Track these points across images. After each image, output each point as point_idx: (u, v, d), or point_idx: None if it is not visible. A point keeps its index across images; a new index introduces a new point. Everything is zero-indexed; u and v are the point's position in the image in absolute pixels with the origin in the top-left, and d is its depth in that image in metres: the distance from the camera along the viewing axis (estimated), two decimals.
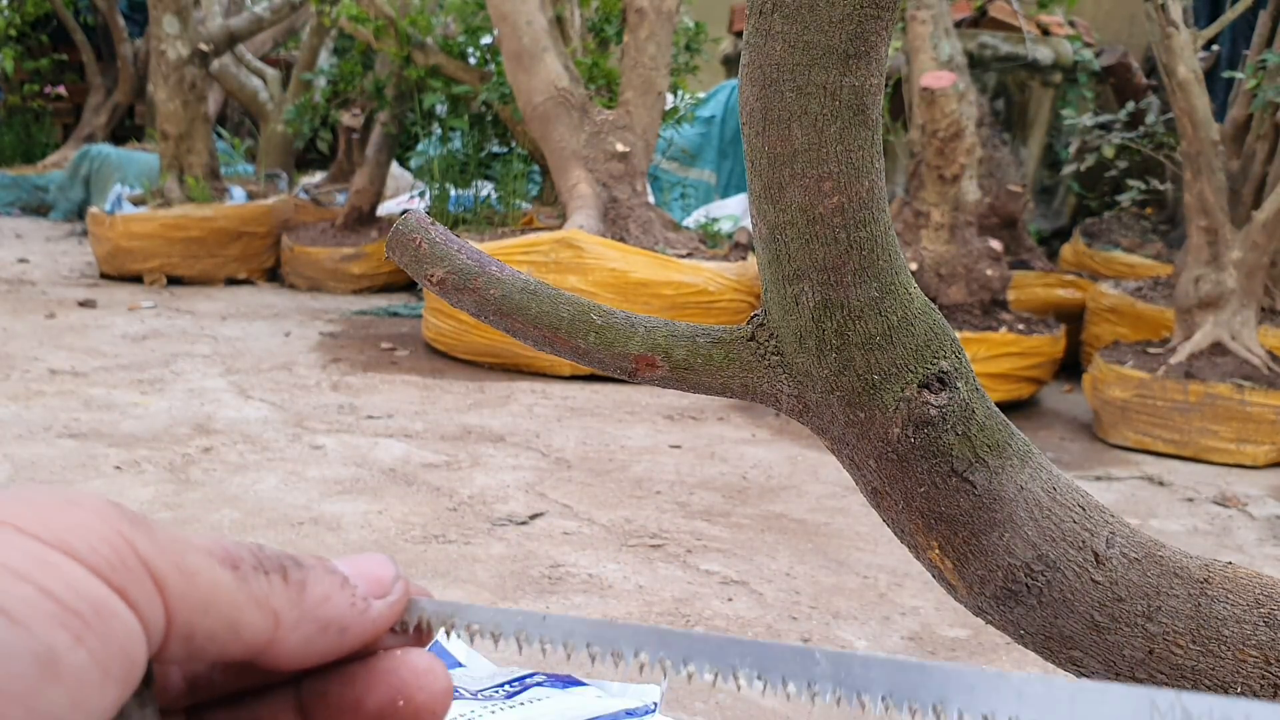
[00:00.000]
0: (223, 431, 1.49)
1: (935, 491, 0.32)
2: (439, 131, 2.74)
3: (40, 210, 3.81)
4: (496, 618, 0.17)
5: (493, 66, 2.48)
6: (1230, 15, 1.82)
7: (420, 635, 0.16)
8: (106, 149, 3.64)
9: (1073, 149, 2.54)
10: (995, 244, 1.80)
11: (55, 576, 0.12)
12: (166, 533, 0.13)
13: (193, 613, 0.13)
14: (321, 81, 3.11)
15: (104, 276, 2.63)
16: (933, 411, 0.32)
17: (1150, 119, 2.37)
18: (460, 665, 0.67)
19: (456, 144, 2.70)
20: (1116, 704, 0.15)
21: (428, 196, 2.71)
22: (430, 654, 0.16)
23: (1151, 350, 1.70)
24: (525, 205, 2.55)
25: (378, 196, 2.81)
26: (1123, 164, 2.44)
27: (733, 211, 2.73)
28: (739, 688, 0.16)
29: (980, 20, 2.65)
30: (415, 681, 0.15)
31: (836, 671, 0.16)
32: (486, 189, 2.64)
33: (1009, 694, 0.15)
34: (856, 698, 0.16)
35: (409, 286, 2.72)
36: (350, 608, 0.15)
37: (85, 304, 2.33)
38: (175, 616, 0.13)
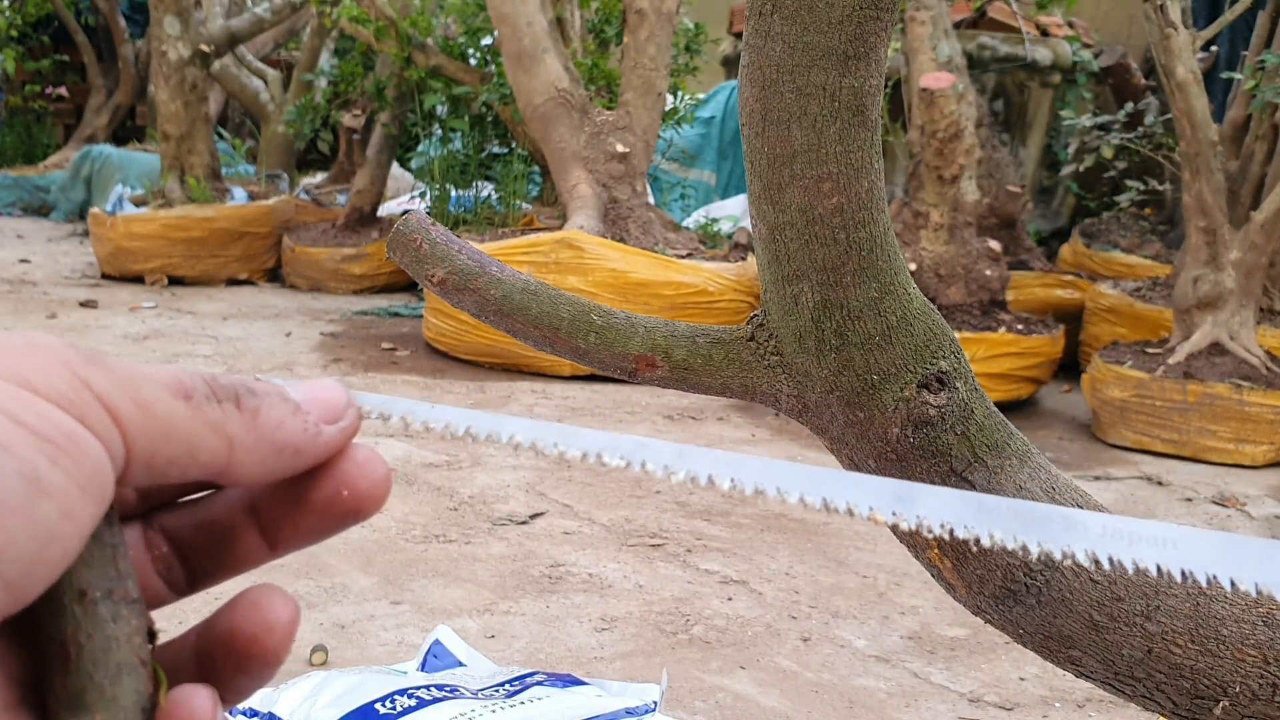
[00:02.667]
0: None
1: None
2: (439, 132, 2.74)
3: (42, 211, 3.81)
4: (428, 412, 0.18)
5: (493, 67, 2.48)
6: (1229, 16, 1.82)
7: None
8: (108, 150, 3.64)
9: (1071, 150, 2.55)
10: (994, 244, 1.80)
11: (25, 408, 0.13)
12: (121, 367, 0.14)
13: (151, 441, 0.14)
14: (322, 82, 3.11)
15: (105, 277, 2.63)
16: (932, 411, 0.32)
17: (1149, 120, 2.37)
18: (461, 664, 0.67)
19: (457, 145, 2.70)
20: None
21: (428, 197, 2.71)
22: (369, 447, 0.17)
23: (1150, 350, 1.70)
24: (525, 206, 2.55)
25: (378, 197, 2.81)
26: (1121, 165, 2.44)
27: (732, 212, 2.73)
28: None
29: (979, 21, 2.66)
30: (356, 471, 0.16)
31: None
32: (487, 190, 2.64)
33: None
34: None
35: (410, 287, 2.72)
36: (303, 432, 0.16)
37: (86, 304, 2.33)
38: (134, 445, 0.14)
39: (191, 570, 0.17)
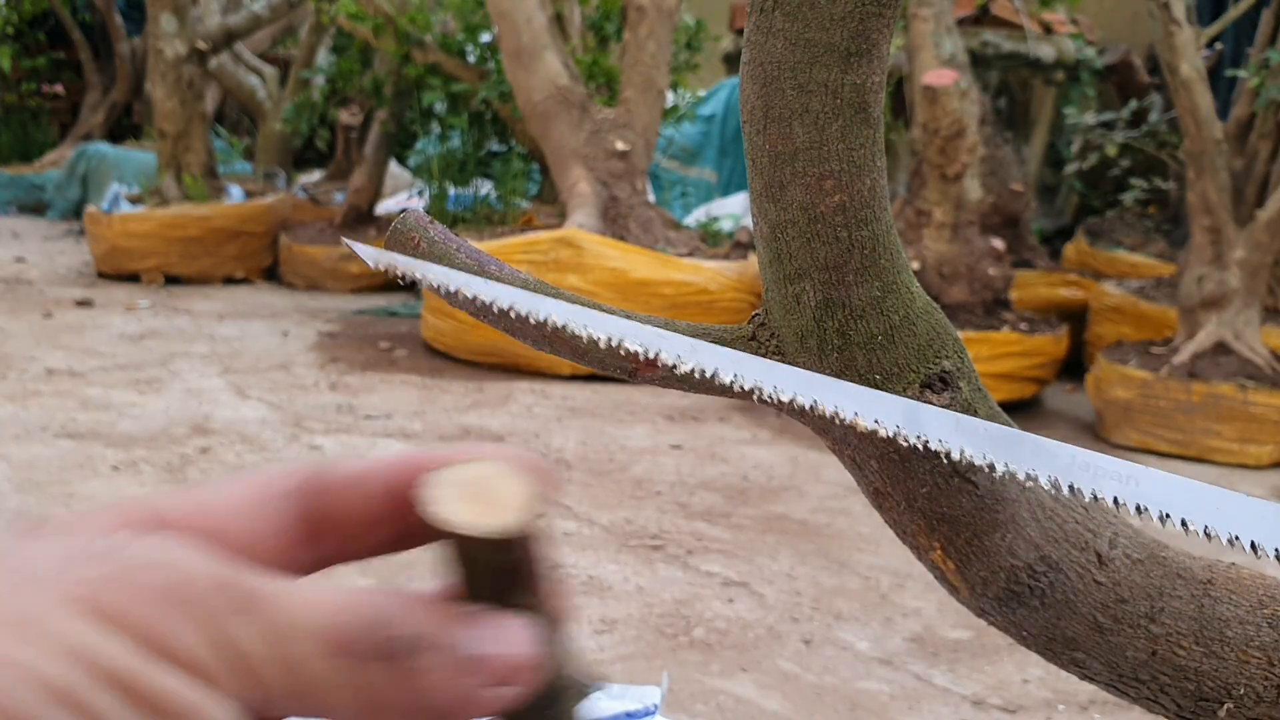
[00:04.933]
0: (220, 432, 1.49)
1: (938, 492, 0.32)
2: (438, 130, 2.74)
3: (37, 209, 3.81)
4: (479, 286, 0.19)
5: (492, 64, 2.47)
6: (1233, 13, 1.81)
7: None
8: (104, 147, 3.63)
9: (1075, 147, 2.54)
10: (998, 243, 1.80)
11: (143, 682, 0.12)
12: (273, 613, 0.13)
13: (283, 700, 0.13)
14: (320, 80, 3.10)
15: (101, 276, 2.63)
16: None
17: (1153, 117, 2.37)
18: None
19: (455, 142, 2.69)
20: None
21: (426, 195, 2.70)
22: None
23: (1154, 350, 1.69)
24: (524, 204, 2.54)
25: (376, 195, 2.80)
26: (1125, 163, 2.43)
27: (733, 210, 2.72)
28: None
29: (982, 18, 2.64)
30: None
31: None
32: (486, 187, 2.63)
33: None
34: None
35: (408, 286, 2.71)
36: (461, 699, 0.14)
37: (82, 303, 2.32)
38: (274, 704, 0.13)
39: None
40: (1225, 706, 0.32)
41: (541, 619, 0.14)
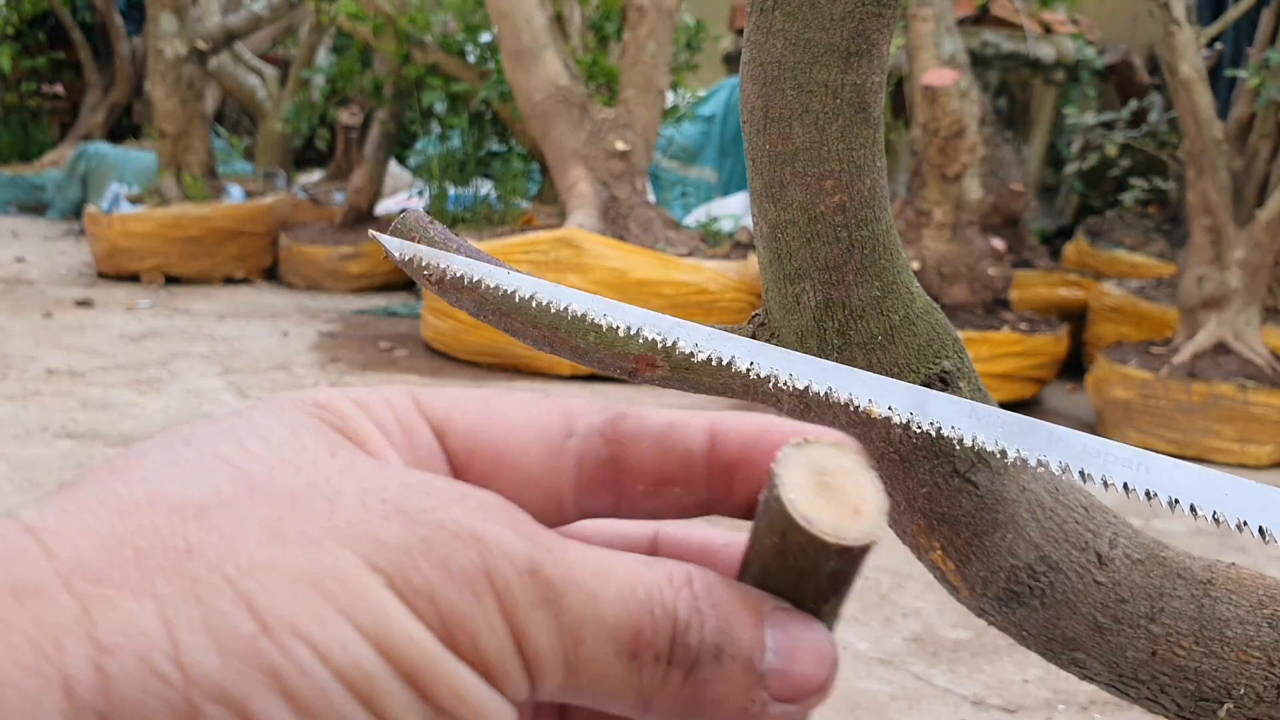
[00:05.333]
0: None
1: (938, 492, 0.32)
2: (438, 130, 2.74)
3: (37, 209, 3.81)
4: (502, 277, 0.20)
5: (492, 64, 2.47)
6: (1233, 13, 1.81)
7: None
8: (104, 147, 3.63)
9: (1075, 147, 2.54)
10: (998, 243, 1.80)
11: (436, 678, 0.11)
12: (579, 607, 0.11)
13: (561, 692, 0.12)
14: (320, 80, 3.10)
15: (101, 276, 2.63)
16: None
17: (1153, 117, 2.37)
18: None
19: (455, 142, 2.70)
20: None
21: (426, 195, 2.70)
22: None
23: (1155, 350, 1.69)
24: (524, 204, 2.54)
25: (376, 195, 2.80)
26: (1126, 163, 2.43)
27: (733, 210, 2.72)
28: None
29: (982, 18, 2.64)
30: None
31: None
32: (486, 187, 2.63)
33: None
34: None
35: (407, 286, 2.71)
36: (741, 712, 0.12)
37: (82, 303, 2.32)
38: (543, 693, 0.12)
39: None
40: (1225, 706, 0.32)
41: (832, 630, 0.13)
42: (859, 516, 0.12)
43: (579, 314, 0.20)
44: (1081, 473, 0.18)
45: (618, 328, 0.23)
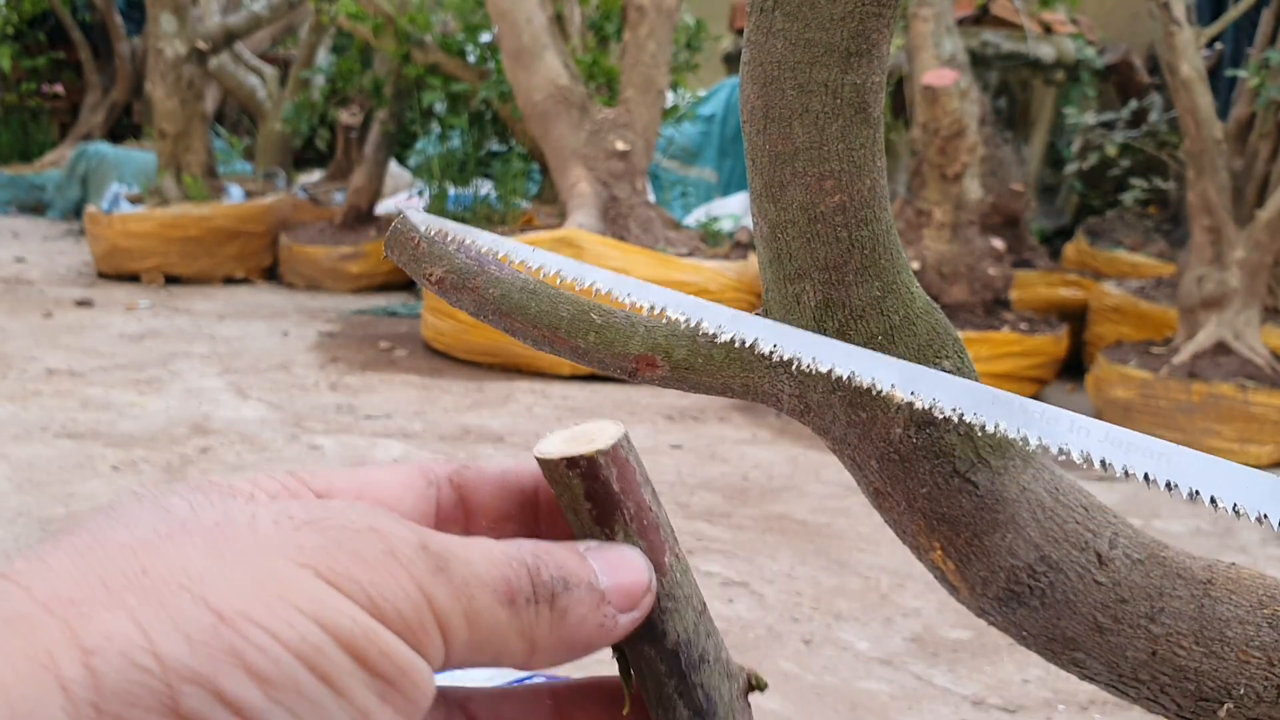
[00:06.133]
0: (220, 431, 1.49)
1: (938, 492, 0.32)
2: (438, 130, 2.74)
3: (37, 209, 3.81)
4: (525, 252, 0.21)
5: (492, 64, 2.48)
6: (1233, 13, 1.81)
7: None
8: (104, 147, 3.63)
9: (1075, 147, 2.54)
10: (998, 243, 1.80)
11: (372, 644, 0.13)
12: (461, 569, 0.14)
13: (466, 651, 0.14)
14: (320, 79, 3.10)
15: (101, 276, 2.63)
16: (935, 412, 0.31)
17: (1153, 117, 2.37)
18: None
19: (455, 142, 2.70)
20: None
21: (426, 195, 2.70)
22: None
23: (1155, 350, 1.69)
24: (524, 204, 2.54)
25: (376, 195, 2.80)
26: (1125, 162, 2.43)
27: (733, 210, 2.72)
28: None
29: (982, 18, 2.64)
30: None
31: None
32: (486, 187, 2.63)
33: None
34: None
35: (407, 286, 2.71)
36: (598, 628, 0.15)
37: (82, 303, 2.32)
38: (451, 659, 0.14)
39: None
40: (1225, 706, 0.32)
41: (642, 547, 0.16)
42: (591, 444, 0.16)
43: (601, 291, 0.21)
44: (1104, 461, 0.19)
45: (642, 307, 0.23)
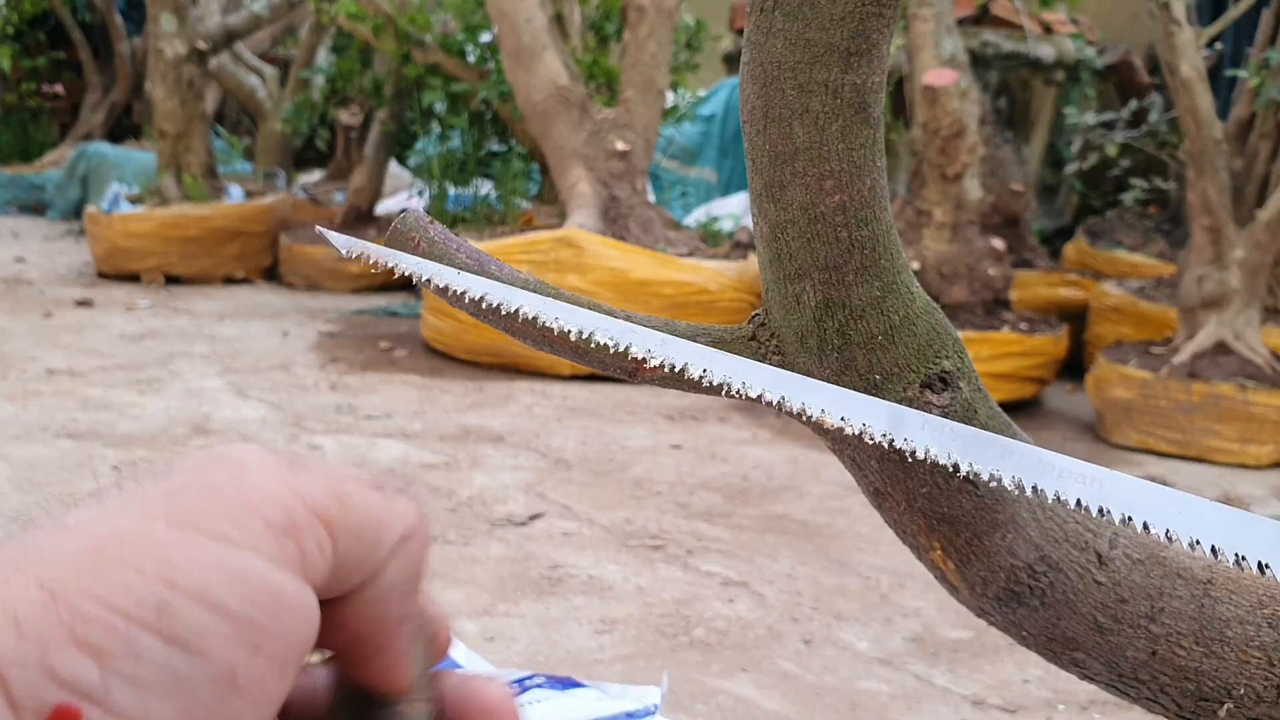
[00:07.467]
0: (220, 431, 1.49)
1: (938, 492, 0.32)
2: (438, 130, 2.74)
3: (37, 209, 3.81)
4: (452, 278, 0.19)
5: (492, 64, 2.47)
6: (1233, 13, 1.81)
7: None
8: (104, 147, 3.63)
9: (1075, 147, 2.54)
10: (998, 243, 1.80)
11: (233, 588, 0.12)
12: (318, 464, 0.13)
13: (348, 540, 0.13)
14: (320, 79, 3.10)
15: (101, 276, 2.62)
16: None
17: (1153, 117, 2.36)
18: (459, 667, 0.67)
19: (455, 142, 2.69)
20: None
21: (426, 195, 2.70)
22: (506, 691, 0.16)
23: (1155, 350, 1.69)
24: (525, 204, 2.54)
25: (376, 195, 2.80)
26: (1126, 163, 2.43)
27: (733, 210, 2.72)
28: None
29: (982, 18, 2.64)
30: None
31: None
32: (486, 187, 2.63)
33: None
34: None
35: (407, 286, 2.71)
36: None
37: (82, 303, 2.32)
38: (338, 550, 0.13)
39: None
40: (1225, 706, 0.32)
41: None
42: None
43: (529, 316, 0.21)
44: (1035, 487, 0.18)
45: (568, 331, 0.23)
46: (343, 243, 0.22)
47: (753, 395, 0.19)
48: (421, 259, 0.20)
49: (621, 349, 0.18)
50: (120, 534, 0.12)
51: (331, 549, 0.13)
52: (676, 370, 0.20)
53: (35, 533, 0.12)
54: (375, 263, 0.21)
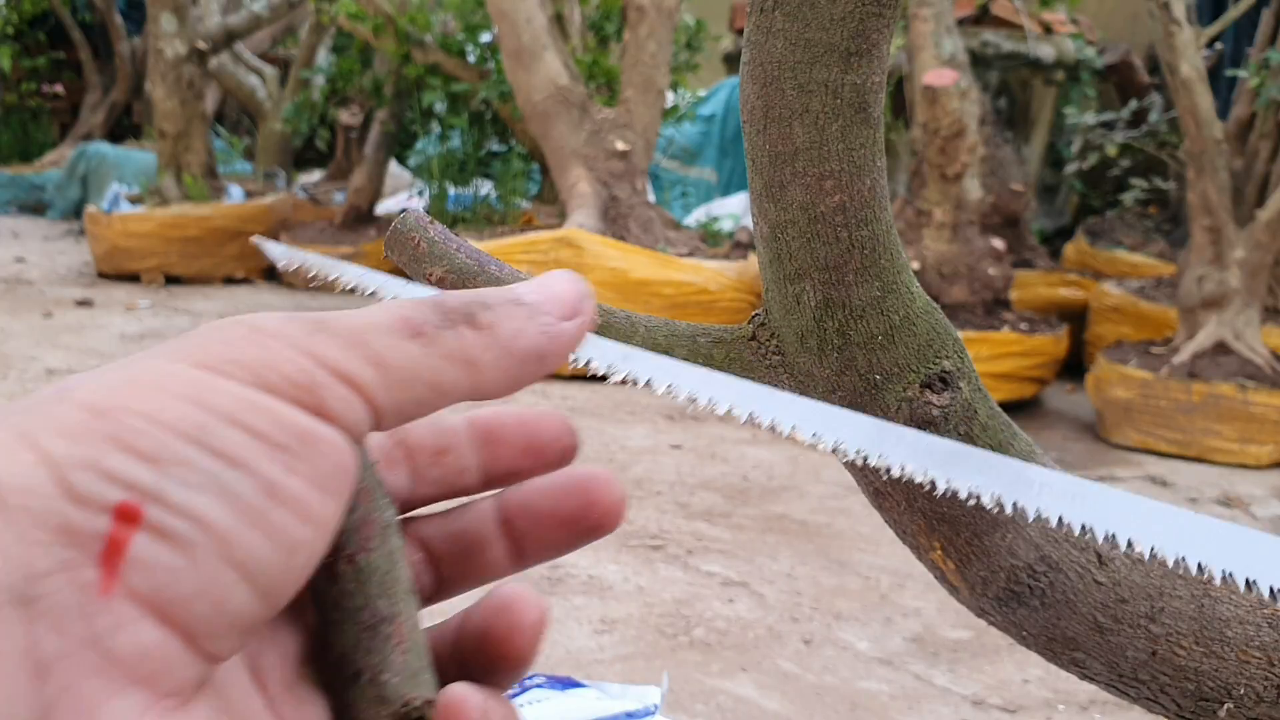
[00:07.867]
0: None
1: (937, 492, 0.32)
2: (438, 130, 2.74)
3: (37, 209, 3.81)
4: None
5: (492, 64, 2.47)
6: (1233, 13, 1.81)
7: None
8: (104, 147, 3.63)
9: (1075, 147, 2.54)
10: (998, 243, 1.80)
11: (258, 416, 0.13)
12: (344, 324, 0.14)
13: (394, 393, 0.14)
14: (320, 79, 3.10)
15: (101, 276, 2.63)
16: (935, 411, 0.31)
17: (1153, 117, 2.36)
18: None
19: (455, 142, 2.70)
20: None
21: (426, 195, 2.70)
22: (609, 472, 0.17)
23: (1155, 350, 1.69)
24: (525, 204, 2.54)
25: (376, 195, 2.80)
26: (1126, 163, 2.43)
27: (733, 210, 2.72)
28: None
29: (982, 18, 2.64)
30: (600, 489, 0.17)
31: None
32: (486, 187, 2.63)
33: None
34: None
35: None
36: (543, 335, 0.15)
37: (82, 303, 2.32)
38: (379, 403, 0.14)
39: (440, 578, 0.17)
40: (1225, 706, 0.32)
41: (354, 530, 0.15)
42: None
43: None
44: (1015, 504, 0.18)
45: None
46: (281, 253, 0.22)
47: (720, 412, 0.18)
48: (365, 270, 0.20)
49: (580, 364, 0.18)
50: (151, 370, 0.13)
51: (363, 403, 0.13)
52: (640, 384, 0.19)
53: (69, 379, 0.13)
54: (314, 276, 0.21)
